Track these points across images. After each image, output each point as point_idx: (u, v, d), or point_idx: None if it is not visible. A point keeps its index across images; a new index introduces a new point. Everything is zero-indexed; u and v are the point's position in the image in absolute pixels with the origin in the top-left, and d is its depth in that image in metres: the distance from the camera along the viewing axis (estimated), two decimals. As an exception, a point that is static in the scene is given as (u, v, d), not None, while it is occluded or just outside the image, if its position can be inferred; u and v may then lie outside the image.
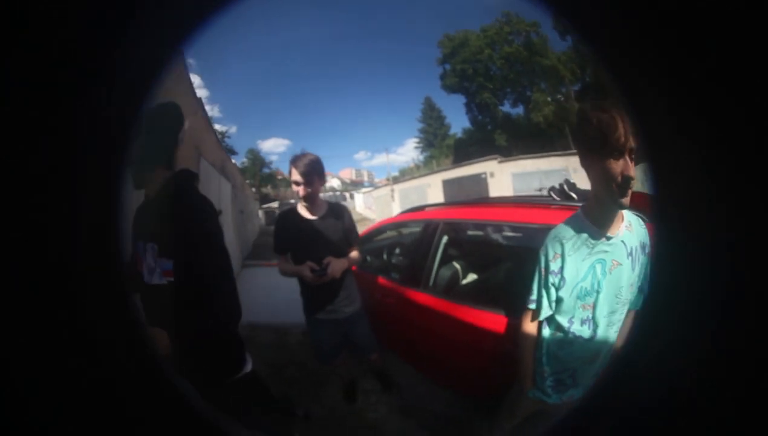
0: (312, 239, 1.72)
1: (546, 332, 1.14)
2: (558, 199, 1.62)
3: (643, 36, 0.22)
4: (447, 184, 17.48)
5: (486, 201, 2.57)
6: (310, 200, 1.71)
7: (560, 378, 1.14)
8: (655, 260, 0.25)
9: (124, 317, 0.28)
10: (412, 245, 2.36)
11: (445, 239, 2.15)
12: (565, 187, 1.60)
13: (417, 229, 2.54)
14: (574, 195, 1.56)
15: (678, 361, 0.24)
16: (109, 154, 0.26)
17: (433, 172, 20.29)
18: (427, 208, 2.55)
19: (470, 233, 2.50)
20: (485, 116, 29.96)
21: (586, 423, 0.28)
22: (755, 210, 0.21)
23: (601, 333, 1.07)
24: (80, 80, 0.24)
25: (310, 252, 1.69)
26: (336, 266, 1.65)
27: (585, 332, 1.07)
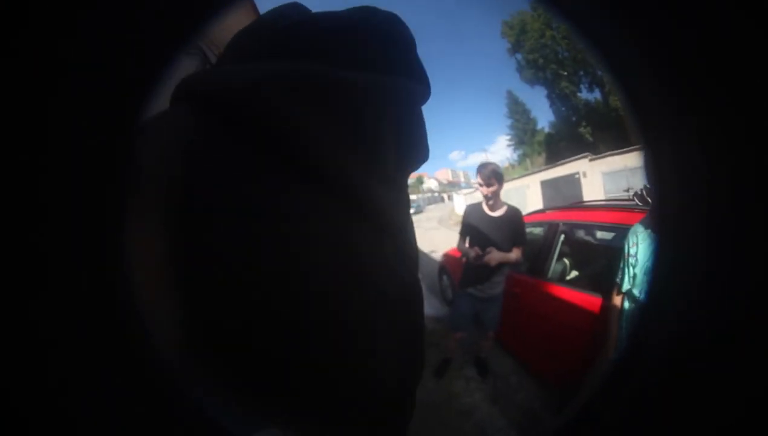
0: (483, 230, 2.15)
1: (626, 304, 1.48)
2: (640, 203, 1.88)
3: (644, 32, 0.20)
4: (544, 185, 17.50)
5: (586, 205, 2.90)
6: (488, 199, 2.14)
7: None
8: (657, 252, 0.24)
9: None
10: (536, 242, 2.71)
11: (562, 237, 2.54)
12: (644, 192, 1.85)
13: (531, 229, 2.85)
14: (650, 200, 1.77)
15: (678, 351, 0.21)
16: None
17: (529, 173, 20.41)
18: (547, 211, 2.98)
19: (576, 232, 2.81)
20: (567, 108, 28.03)
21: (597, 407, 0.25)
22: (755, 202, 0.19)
23: None
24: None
25: (480, 240, 2.14)
26: (493, 256, 2.05)
27: None
